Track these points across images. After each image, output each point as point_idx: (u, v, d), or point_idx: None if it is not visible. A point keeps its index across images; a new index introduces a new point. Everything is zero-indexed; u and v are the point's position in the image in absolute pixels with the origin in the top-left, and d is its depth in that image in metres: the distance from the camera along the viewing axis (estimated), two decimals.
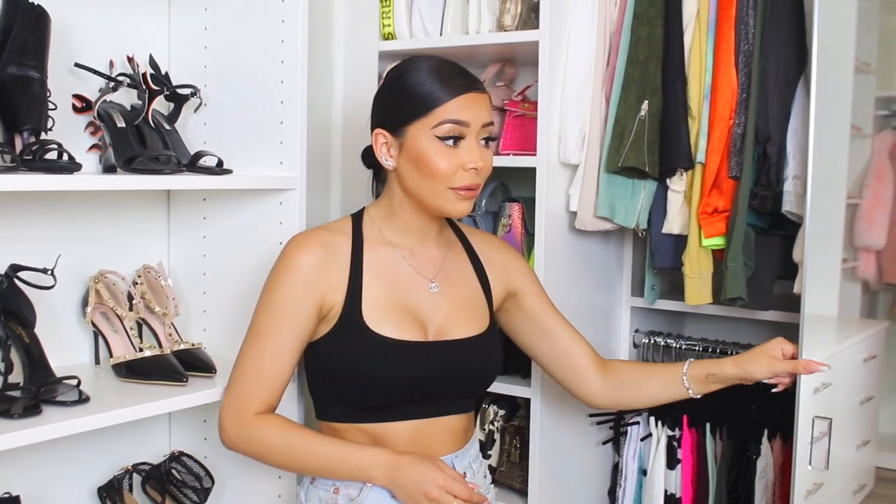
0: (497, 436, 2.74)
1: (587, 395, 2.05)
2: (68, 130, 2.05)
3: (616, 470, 2.79)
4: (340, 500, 1.82)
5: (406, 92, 1.79)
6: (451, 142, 1.76)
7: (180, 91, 2.16)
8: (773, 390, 2.00)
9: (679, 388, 2.00)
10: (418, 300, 1.87)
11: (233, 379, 1.84)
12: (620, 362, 2.11)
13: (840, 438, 2.67)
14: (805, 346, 2.02)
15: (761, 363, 1.96)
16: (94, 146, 2.14)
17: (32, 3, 1.88)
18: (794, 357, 1.97)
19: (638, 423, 2.71)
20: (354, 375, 1.80)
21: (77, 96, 2.09)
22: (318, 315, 1.82)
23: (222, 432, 1.84)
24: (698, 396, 2.01)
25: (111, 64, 2.15)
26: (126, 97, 2.13)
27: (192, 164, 2.03)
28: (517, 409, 2.77)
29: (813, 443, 2.10)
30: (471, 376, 1.91)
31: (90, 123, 2.13)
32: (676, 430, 2.65)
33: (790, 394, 2.03)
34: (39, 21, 1.89)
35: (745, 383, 1.99)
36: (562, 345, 2.04)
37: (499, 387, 2.57)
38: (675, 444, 2.64)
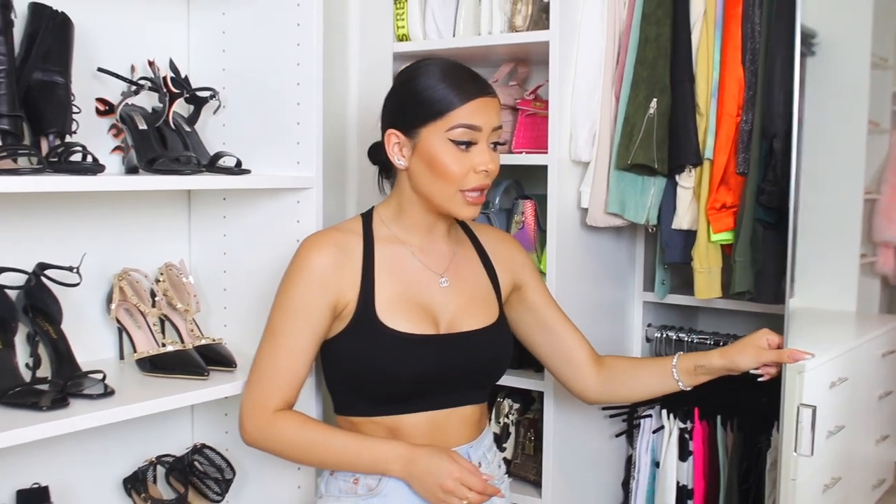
0: (512, 429, 2.78)
1: (582, 390, 2.09)
2: (92, 133, 2.10)
3: (629, 462, 2.83)
4: (360, 490, 1.86)
5: (419, 95, 1.83)
6: (463, 146, 1.81)
7: (200, 94, 2.21)
8: (759, 379, 2.04)
9: (669, 380, 2.04)
10: (429, 295, 1.91)
11: (251, 378, 1.89)
12: (613, 358, 2.14)
13: (859, 433, 2.69)
14: (790, 337, 2.06)
15: (748, 354, 2.00)
16: (116, 148, 2.19)
17: (56, 11, 1.94)
18: (779, 347, 2.01)
19: (650, 415, 2.74)
20: (370, 371, 1.84)
21: (100, 100, 2.14)
22: (332, 314, 1.86)
23: (242, 430, 1.88)
24: (688, 388, 2.05)
25: (132, 68, 2.20)
26: (147, 100, 2.18)
27: (212, 164, 2.08)
28: (532, 403, 2.81)
29: (798, 430, 2.15)
30: (483, 367, 1.95)
31: (113, 126, 2.18)
32: (688, 422, 2.68)
33: None
34: (63, 28, 1.95)
35: (732, 374, 2.03)
36: (561, 339, 2.08)
37: (513, 380, 2.61)
38: (687, 436, 2.67)
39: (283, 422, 1.85)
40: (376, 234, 1.92)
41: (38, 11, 1.92)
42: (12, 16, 1.84)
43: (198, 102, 2.23)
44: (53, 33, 1.92)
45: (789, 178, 2.28)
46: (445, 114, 1.80)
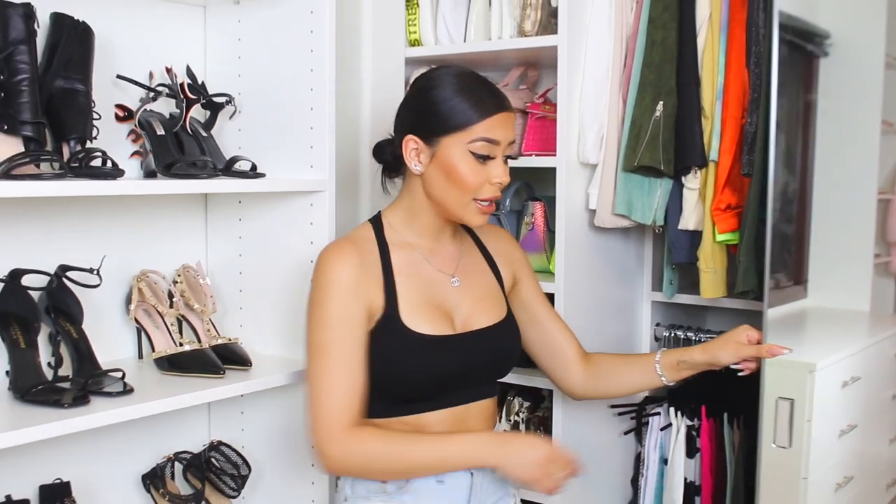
0: (522, 427, 2.82)
1: (570, 385, 2.14)
2: (112, 138, 2.14)
3: (638, 459, 2.86)
4: (389, 488, 1.88)
5: (441, 105, 1.85)
6: (482, 158, 1.84)
7: (216, 99, 2.25)
8: (740, 374, 2.08)
9: (653, 376, 2.08)
10: (444, 296, 1.95)
11: (315, 404, 1.84)
12: (600, 354, 2.17)
13: (872, 433, 2.72)
14: (769, 333, 2.12)
15: (728, 349, 2.04)
16: (135, 153, 2.23)
17: (77, 21, 1.99)
18: (759, 343, 2.05)
19: (659, 413, 2.78)
20: (397, 373, 1.86)
21: (119, 106, 2.19)
22: (368, 319, 1.86)
23: (325, 458, 1.82)
24: (671, 384, 2.09)
25: (151, 75, 2.24)
26: (165, 106, 2.22)
27: (228, 168, 2.12)
28: (542, 401, 2.85)
29: (776, 422, 2.22)
30: (498, 361, 2.00)
31: (132, 131, 2.22)
32: (695, 420, 2.72)
33: None
34: (84, 37, 2.00)
35: (713, 368, 2.08)
36: (551, 335, 2.12)
37: (523, 379, 2.65)
38: (695, 433, 2.71)
39: (362, 437, 1.82)
40: (389, 240, 1.95)
41: (59, 21, 1.97)
42: (35, 26, 1.88)
43: (214, 108, 2.26)
44: (75, 42, 1.97)
45: (767, 176, 2.31)
46: (469, 126, 1.83)
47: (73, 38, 1.97)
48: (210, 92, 2.27)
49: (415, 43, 2.85)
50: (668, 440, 2.76)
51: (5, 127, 1.82)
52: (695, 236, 2.49)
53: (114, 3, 2.21)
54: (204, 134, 2.23)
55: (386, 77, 2.83)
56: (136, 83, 2.16)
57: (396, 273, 1.91)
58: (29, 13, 1.86)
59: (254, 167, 2.17)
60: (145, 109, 2.16)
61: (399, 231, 1.97)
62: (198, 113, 2.25)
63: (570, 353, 2.12)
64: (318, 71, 2.21)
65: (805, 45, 2.81)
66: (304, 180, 2.23)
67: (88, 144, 1.96)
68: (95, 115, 2.01)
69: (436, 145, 1.86)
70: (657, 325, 2.93)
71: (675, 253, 2.54)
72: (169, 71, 2.22)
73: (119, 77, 2.14)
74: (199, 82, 2.25)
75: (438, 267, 1.98)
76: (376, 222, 1.99)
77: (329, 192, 2.22)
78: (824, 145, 2.90)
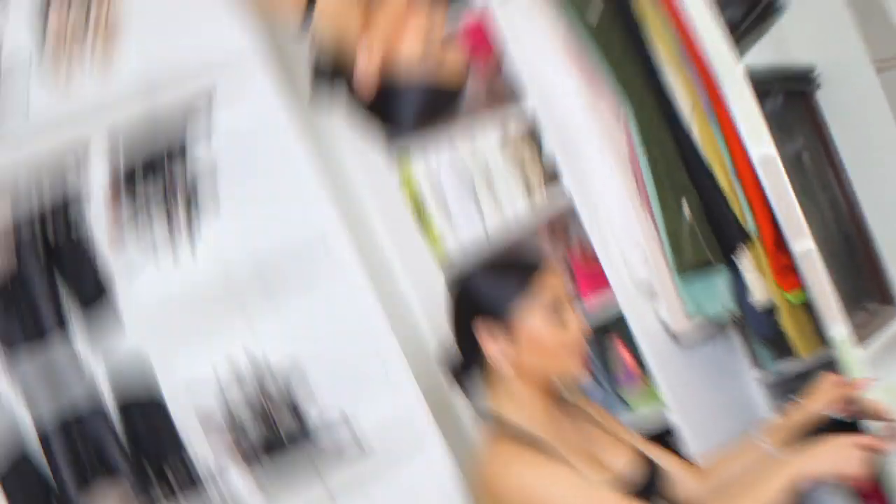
0: None
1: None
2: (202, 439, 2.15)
3: None
4: None
5: (496, 283, 1.84)
6: (556, 313, 1.81)
7: (281, 369, 2.33)
8: (842, 419, 2.04)
9: (768, 458, 1.99)
10: (601, 458, 1.90)
11: None
12: (712, 466, 2.10)
13: None
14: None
15: (818, 400, 2.02)
16: (232, 452, 2.23)
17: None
18: (841, 383, 2.04)
19: None
20: None
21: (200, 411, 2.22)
22: None
23: None
24: (784, 456, 1.98)
25: (214, 369, 2.31)
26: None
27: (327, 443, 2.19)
28: None
29: None
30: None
31: (222, 430, 2.25)
32: None
33: None
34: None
35: (817, 424, 2.02)
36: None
37: None
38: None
39: None
40: (527, 432, 1.84)
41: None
42: None
43: (283, 380, 2.34)
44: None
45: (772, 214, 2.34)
46: (531, 285, 1.81)
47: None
48: (273, 362, 2.34)
49: (436, 244, 2.91)
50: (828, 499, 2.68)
51: (105, 471, 1.90)
52: (769, 307, 2.49)
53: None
54: (290, 413, 2.28)
55: (432, 292, 2.86)
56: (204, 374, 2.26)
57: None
58: None
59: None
60: (227, 404, 2.23)
61: (523, 422, 1.86)
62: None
63: (689, 485, 2.04)
64: (374, 330, 2.33)
65: (796, 88, 2.88)
66: (406, 439, 2.30)
67: (183, 457, 2.01)
68: (180, 424, 2.07)
69: (512, 322, 1.82)
70: (774, 400, 2.89)
71: (759, 330, 2.54)
72: (230, 361, 2.30)
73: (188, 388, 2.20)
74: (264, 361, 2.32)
75: (575, 441, 1.91)
76: (502, 427, 1.86)
77: (431, 435, 2.31)
78: (855, 168, 2.93)
